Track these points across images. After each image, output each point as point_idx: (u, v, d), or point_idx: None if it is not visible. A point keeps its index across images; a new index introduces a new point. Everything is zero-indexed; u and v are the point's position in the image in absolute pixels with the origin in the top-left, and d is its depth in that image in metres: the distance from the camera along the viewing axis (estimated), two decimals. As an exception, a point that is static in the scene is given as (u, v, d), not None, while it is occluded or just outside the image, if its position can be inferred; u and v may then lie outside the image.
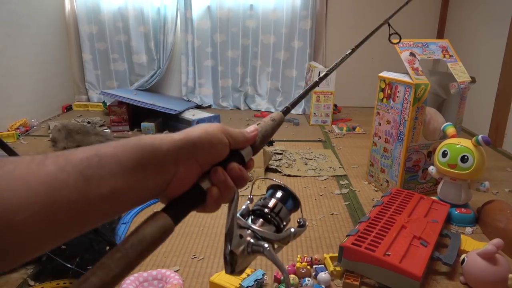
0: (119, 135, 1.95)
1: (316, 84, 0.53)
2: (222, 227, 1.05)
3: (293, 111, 2.50)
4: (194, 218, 1.11)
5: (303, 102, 2.53)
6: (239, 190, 0.40)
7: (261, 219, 0.42)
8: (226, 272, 0.39)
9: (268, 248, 0.39)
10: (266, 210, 0.43)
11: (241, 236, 0.39)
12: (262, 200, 0.45)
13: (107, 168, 0.32)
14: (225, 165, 0.39)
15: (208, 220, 1.10)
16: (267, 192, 0.46)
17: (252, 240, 0.40)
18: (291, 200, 0.45)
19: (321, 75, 0.56)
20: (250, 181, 1.35)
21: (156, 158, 0.35)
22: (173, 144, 0.36)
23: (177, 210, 0.37)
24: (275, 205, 0.43)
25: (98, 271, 0.30)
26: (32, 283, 0.81)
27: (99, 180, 0.31)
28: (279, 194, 0.45)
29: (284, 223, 0.44)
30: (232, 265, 0.38)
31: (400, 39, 0.67)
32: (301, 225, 0.44)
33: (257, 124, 0.45)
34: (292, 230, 0.43)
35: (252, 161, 0.44)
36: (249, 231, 0.40)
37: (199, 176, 0.39)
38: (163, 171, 0.36)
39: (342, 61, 0.56)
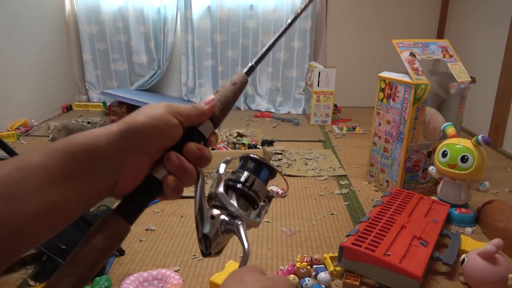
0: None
1: (281, 36, 0.45)
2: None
3: (293, 111, 2.51)
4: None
5: (303, 102, 2.53)
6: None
7: (234, 195, 0.38)
8: (203, 256, 0.36)
9: (240, 226, 0.36)
10: (238, 185, 0.38)
11: (212, 217, 0.36)
12: (233, 173, 0.40)
13: (34, 181, 0.28)
14: (181, 147, 0.35)
15: (208, 220, 1.10)
16: (239, 163, 0.41)
17: (226, 218, 0.36)
18: (265, 170, 0.40)
19: (278, 35, 0.45)
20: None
21: (92, 160, 0.31)
22: (111, 139, 0.32)
23: (130, 209, 0.34)
24: (247, 178, 0.39)
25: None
26: (32, 283, 0.81)
27: (25, 198, 0.27)
28: (250, 165, 0.40)
29: (260, 196, 0.39)
30: (207, 248, 0.36)
31: None
32: (269, 197, 0.40)
33: (215, 92, 0.39)
34: (262, 204, 0.39)
35: (215, 135, 0.39)
36: (222, 209, 0.37)
37: (152, 165, 0.35)
38: (105, 172, 0.32)
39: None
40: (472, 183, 1.12)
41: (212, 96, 0.38)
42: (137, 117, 0.33)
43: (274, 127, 2.14)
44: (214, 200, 0.37)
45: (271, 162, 1.50)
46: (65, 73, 2.50)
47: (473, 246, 0.93)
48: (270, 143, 1.76)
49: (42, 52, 2.19)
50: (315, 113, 2.17)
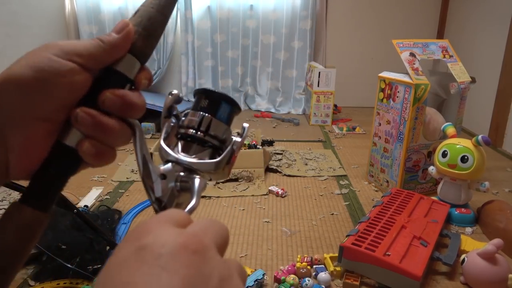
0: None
1: None
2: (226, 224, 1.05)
3: (293, 111, 2.51)
4: (195, 218, 1.11)
5: (303, 102, 2.53)
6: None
7: (190, 143, 0.31)
8: None
9: (196, 179, 0.29)
10: (191, 131, 0.30)
11: (163, 176, 0.29)
12: (185, 116, 0.32)
13: None
14: (94, 98, 0.26)
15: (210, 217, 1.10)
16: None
17: (182, 174, 0.29)
18: (224, 106, 0.31)
19: None
20: (249, 180, 1.35)
21: None
22: None
23: (37, 192, 0.26)
24: (201, 120, 0.30)
25: None
26: (32, 283, 0.81)
27: None
28: (204, 102, 0.31)
29: (222, 138, 0.31)
30: None
31: None
32: (240, 135, 0.32)
33: (133, 16, 0.30)
34: (228, 148, 0.31)
35: (144, 72, 0.29)
36: (174, 164, 0.29)
37: (57, 131, 0.26)
38: None
39: None
40: (472, 183, 1.12)
41: (124, 20, 0.28)
42: (12, 70, 0.25)
43: (274, 127, 2.14)
44: (166, 158, 0.30)
45: (271, 162, 1.50)
46: (65, 73, 2.49)
47: (473, 246, 0.93)
48: (270, 143, 1.76)
49: (42, 52, 2.18)
50: (315, 113, 2.18)
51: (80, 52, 0.26)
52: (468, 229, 1.07)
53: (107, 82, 0.27)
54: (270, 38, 2.51)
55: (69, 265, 0.78)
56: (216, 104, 0.31)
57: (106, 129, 0.26)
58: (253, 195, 1.25)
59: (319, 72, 2.10)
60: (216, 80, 2.59)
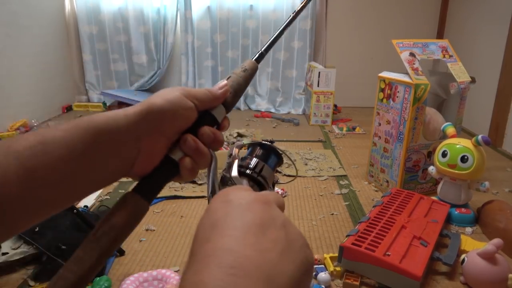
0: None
1: (293, 19, 0.47)
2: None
3: (293, 111, 2.51)
4: (195, 219, 1.11)
5: (303, 102, 2.53)
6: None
7: (245, 180, 0.39)
8: None
9: None
10: (248, 171, 0.39)
11: None
12: (242, 160, 0.41)
13: (53, 156, 0.29)
14: (196, 130, 0.36)
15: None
16: (247, 151, 0.43)
17: None
18: (273, 157, 0.42)
19: (293, 15, 0.47)
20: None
21: (111, 139, 0.32)
22: (130, 120, 0.33)
23: (149, 188, 0.35)
24: (256, 164, 0.40)
25: (73, 265, 0.29)
26: (32, 283, 0.81)
27: (44, 169, 0.29)
28: (259, 151, 0.42)
29: (268, 182, 0.40)
30: None
31: None
32: (273, 183, 0.41)
33: (227, 78, 0.40)
34: (269, 189, 0.40)
35: (226, 120, 0.40)
36: None
37: (168, 147, 0.36)
38: (122, 151, 0.33)
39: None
40: (472, 183, 1.12)
41: (225, 81, 0.39)
42: (155, 100, 0.34)
43: (274, 127, 2.14)
44: (227, 183, 0.38)
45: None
46: (65, 73, 2.50)
47: (473, 246, 0.93)
48: (270, 143, 1.76)
49: (42, 52, 2.19)
50: (315, 113, 2.18)
51: (197, 96, 0.36)
52: (468, 229, 1.07)
53: (205, 121, 0.37)
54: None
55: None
56: (268, 155, 0.42)
57: (201, 152, 0.36)
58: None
59: (319, 72, 2.10)
60: (216, 80, 2.58)
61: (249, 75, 0.41)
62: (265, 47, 0.43)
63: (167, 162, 0.35)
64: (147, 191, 0.34)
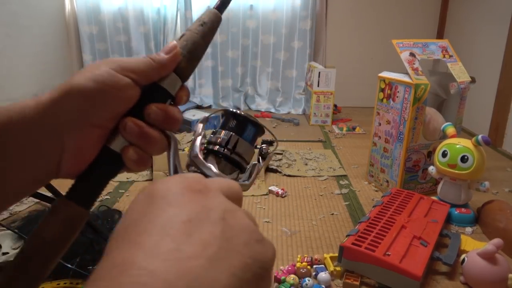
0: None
1: None
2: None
3: (293, 111, 2.51)
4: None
5: (303, 102, 2.53)
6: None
7: (213, 160, 0.33)
8: None
9: None
10: (217, 147, 0.32)
11: None
12: (213, 134, 0.34)
13: None
14: (140, 110, 0.29)
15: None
16: (221, 121, 0.35)
17: None
18: (249, 128, 0.34)
19: None
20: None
21: (16, 136, 0.25)
22: (42, 110, 0.26)
23: (83, 190, 0.28)
24: (228, 139, 0.33)
25: None
26: (32, 283, 0.81)
27: None
28: (232, 123, 0.34)
29: (246, 158, 0.34)
30: None
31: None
32: (263, 155, 0.35)
33: (180, 37, 0.32)
34: (250, 165, 0.34)
35: (184, 91, 0.32)
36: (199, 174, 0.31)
37: (106, 136, 0.29)
38: (39, 152, 0.26)
39: None
40: (472, 183, 1.12)
41: (173, 43, 0.31)
42: (75, 80, 0.27)
43: (274, 127, 2.14)
44: (191, 166, 0.32)
45: (271, 162, 1.50)
46: (65, 73, 2.49)
47: (473, 246, 0.93)
48: (270, 143, 1.75)
49: (42, 52, 2.19)
50: (315, 113, 2.18)
51: (134, 69, 0.29)
52: (468, 229, 1.07)
53: (153, 97, 0.30)
54: (270, 38, 2.51)
55: (69, 265, 0.78)
56: (243, 126, 0.34)
57: (149, 139, 0.29)
58: (253, 195, 1.25)
59: (319, 72, 2.10)
60: (216, 80, 2.59)
61: (209, 30, 0.33)
62: None
63: (106, 156, 0.29)
64: (82, 194, 0.28)
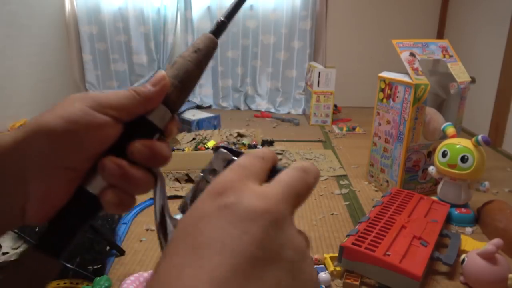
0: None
1: None
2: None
3: (293, 111, 2.51)
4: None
5: (303, 102, 2.53)
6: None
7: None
8: None
9: None
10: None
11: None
12: (202, 173, 0.30)
13: None
14: (123, 147, 0.26)
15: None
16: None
17: None
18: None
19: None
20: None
21: None
22: (3, 154, 0.23)
23: (55, 238, 0.25)
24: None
25: None
26: (32, 283, 0.81)
27: None
28: (222, 162, 0.28)
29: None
30: None
31: None
32: None
33: (171, 65, 0.29)
34: None
35: (174, 123, 0.29)
36: None
37: (80, 178, 0.26)
38: None
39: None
40: (472, 183, 1.12)
41: (162, 73, 0.27)
42: (44, 119, 0.23)
43: (274, 127, 2.14)
44: (184, 208, 0.29)
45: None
46: (65, 73, 2.50)
47: (473, 246, 0.93)
48: (270, 143, 1.76)
49: (42, 52, 2.19)
50: (315, 113, 2.18)
51: (115, 105, 0.25)
52: (468, 229, 1.07)
53: (137, 132, 0.26)
54: (270, 38, 2.51)
55: (69, 265, 0.78)
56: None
57: (132, 180, 0.26)
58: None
59: (319, 72, 2.10)
60: (216, 80, 2.59)
61: (204, 57, 0.29)
62: (226, 14, 0.30)
63: (82, 197, 0.26)
64: (53, 242, 0.25)
